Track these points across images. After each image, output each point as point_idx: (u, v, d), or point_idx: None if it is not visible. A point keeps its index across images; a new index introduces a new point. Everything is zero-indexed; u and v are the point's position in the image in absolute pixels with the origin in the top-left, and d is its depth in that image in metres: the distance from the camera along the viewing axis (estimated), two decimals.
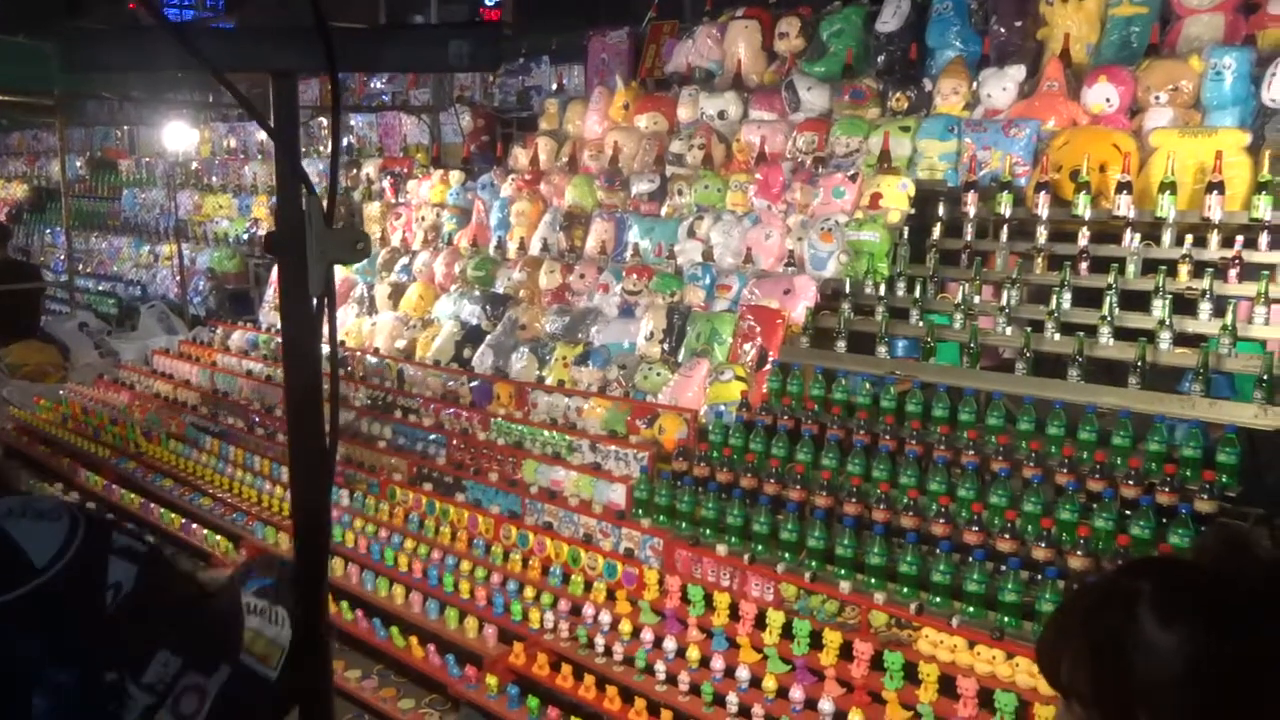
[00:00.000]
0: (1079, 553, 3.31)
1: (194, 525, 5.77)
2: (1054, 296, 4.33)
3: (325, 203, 1.35)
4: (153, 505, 6.16)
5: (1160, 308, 4.06)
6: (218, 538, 5.59)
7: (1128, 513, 3.42)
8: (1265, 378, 3.58)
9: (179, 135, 9.59)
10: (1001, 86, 5.29)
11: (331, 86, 1.22)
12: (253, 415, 6.38)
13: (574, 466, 4.79)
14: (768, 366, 4.89)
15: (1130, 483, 3.47)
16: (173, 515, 5.96)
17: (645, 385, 5.17)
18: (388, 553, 4.99)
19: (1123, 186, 4.53)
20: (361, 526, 5.26)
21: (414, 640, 4.43)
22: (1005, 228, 4.88)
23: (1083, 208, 4.62)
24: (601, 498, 4.61)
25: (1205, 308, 4.03)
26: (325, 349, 1.43)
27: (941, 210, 5.08)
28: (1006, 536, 3.45)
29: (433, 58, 1.27)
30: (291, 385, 1.40)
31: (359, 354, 6.55)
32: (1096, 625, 1.07)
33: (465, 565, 4.73)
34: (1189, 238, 4.35)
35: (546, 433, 5.05)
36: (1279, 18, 4.72)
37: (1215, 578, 1.05)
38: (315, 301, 1.37)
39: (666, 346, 5.33)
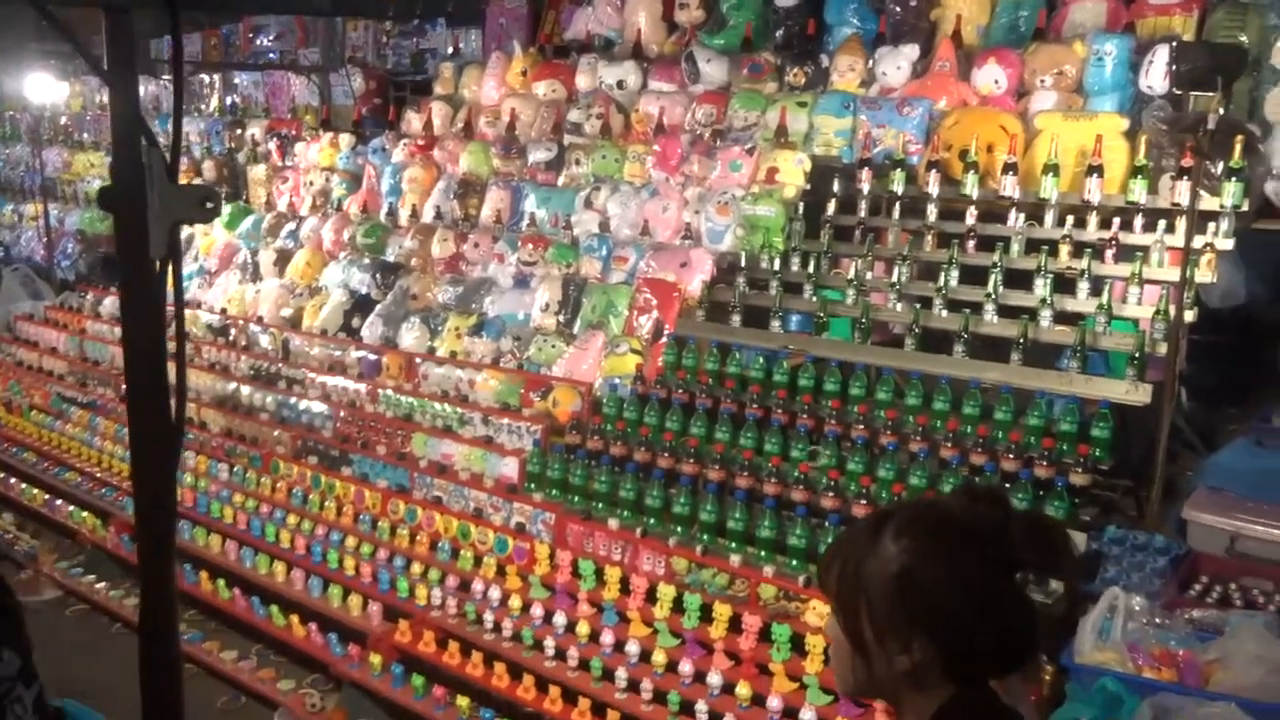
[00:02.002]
0: None
1: (59, 501, 5.46)
2: (942, 274, 4.39)
3: (169, 155, 1.22)
4: (13, 480, 5.80)
5: (1042, 286, 4.15)
6: (84, 514, 5.29)
7: (1008, 485, 3.50)
8: (1137, 355, 3.70)
9: (44, 88, 8.98)
10: (896, 65, 5.33)
11: (171, 24, 1.09)
12: (124, 385, 6.05)
13: (465, 440, 4.68)
14: (663, 340, 4.85)
15: (1010, 456, 3.55)
16: (35, 491, 5.63)
17: (540, 357, 5.08)
18: (269, 528, 4.80)
19: (1009, 167, 4.61)
20: (242, 502, 5.06)
21: (295, 619, 4.27)
22: (897, 205, 4.91)
23: (971, 187, 4.69)
24: (493, 472, 4.52)
25: (1083, 287, 4.14)
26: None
27: (836, 186, 5.09)
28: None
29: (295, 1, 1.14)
30: (131, 360, 1.27)
31: (242, 322, 6.27)
32: (853, 539, 1.33)
33: (350, 541, 4.58)
34: (1070, 219, 4.46)
35: (437, 405, 4.92)
36: (1157, 7, 4.86)
37: (947, 515, 1.30)
38: (158, 264, 1.25)
39: (562, 318, 5.24)
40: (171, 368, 1.35)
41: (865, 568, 1.29)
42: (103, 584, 4.91)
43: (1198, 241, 3.85)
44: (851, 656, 1.32)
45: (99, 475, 5.59)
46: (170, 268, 1.27)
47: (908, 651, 1.27)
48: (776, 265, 4.83)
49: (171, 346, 1.35)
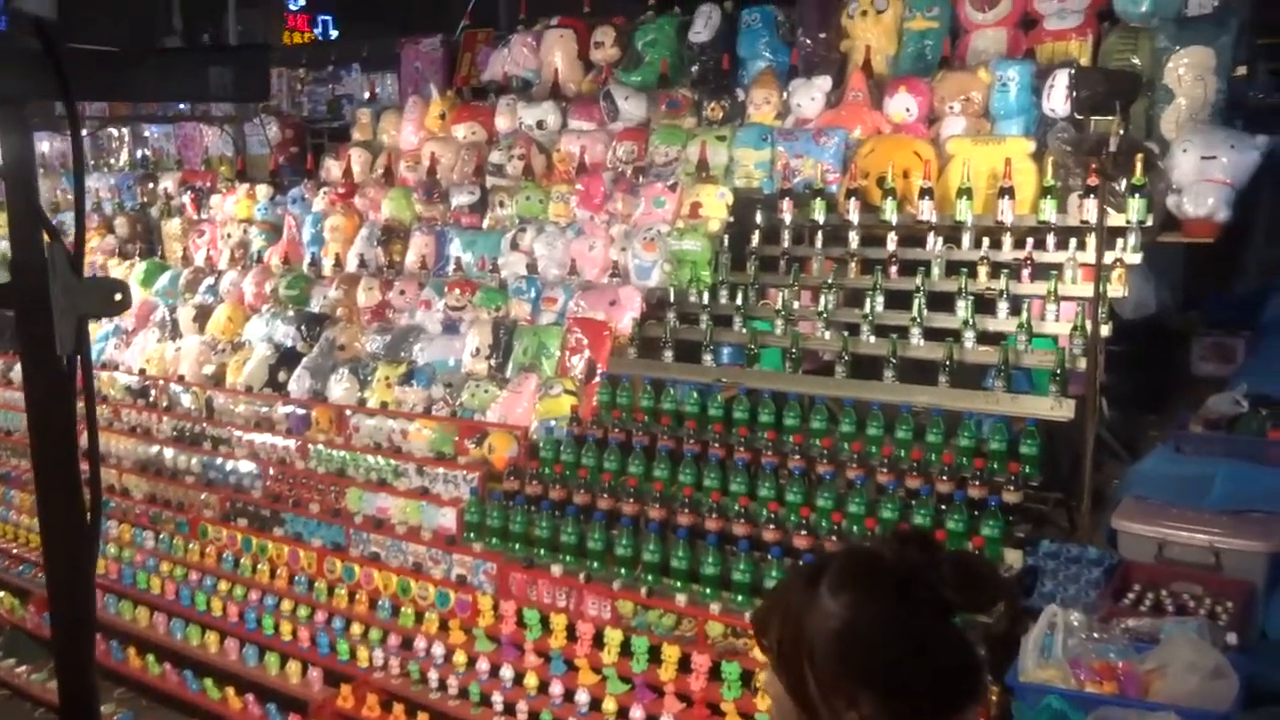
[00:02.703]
0: None
1: None
2: (868, 300, 4.47)
3: (73, 246, 1.18)
4: None
5: (963, 308, 4.25)
6: (0, 593, 5.07)
7: (943, 507, 3.55)
8: (1058, 372, 3.80)
9: None
10: (810, 96, 5.43)
11: (69, 119, 1.06)
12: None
13: (400, 492, 4.61)
14: (597, 379, 4.83)
15: (944, 478, 3.61)
16: None
17: (473, 403, 5.02)
18: (199, 597, 4.65)
19: (925, 192, 4.72)
20: (169, 570, 4.90)
21: (231, 691, 4.14)
22: (820, 233, 5.00)
23: (890, 213, 4.79)
24: (431, 523, 4.45)
25: (1003, 307, 4.25)
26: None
27: (759, 217, 5.17)
28: (833, 538, 3.52)
29: (190, 87, 1.12)
30: (40, 459, 1.22)
31: (162, 382, 6.09)
32: (789, 592, 1.30)
33: (286, 605, 4.47)
34: (986, 240, 4.58)
35: (370, 458, 4.83)
36: (1054, 33, 5.05)
37: (879, 563, 1.27)
38: (65, 360, 1.20)
39: (494, 362, 5.20)
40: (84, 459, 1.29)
41: (806, 626, 1.26)
42: (23, 667, 4.70)
43: (1108, 257, 3.98)
44: (797, 715, 1.31)
45: (15, 552, 5.36)
46: (80, 362, 1.23)
47: (855, 706, 1.26)
48: (705, 299, 4.87)
49: (84, 440, 1.30)
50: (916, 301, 4.34)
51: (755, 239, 5.14)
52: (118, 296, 1.23)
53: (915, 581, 1.26)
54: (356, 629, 4.23)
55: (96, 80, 1.13)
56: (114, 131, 9.07)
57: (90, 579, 1.26)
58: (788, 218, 5.06)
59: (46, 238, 1.18)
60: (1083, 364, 3.82)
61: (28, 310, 1.16)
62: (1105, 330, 3.86)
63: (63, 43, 1.09)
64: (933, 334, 4.29)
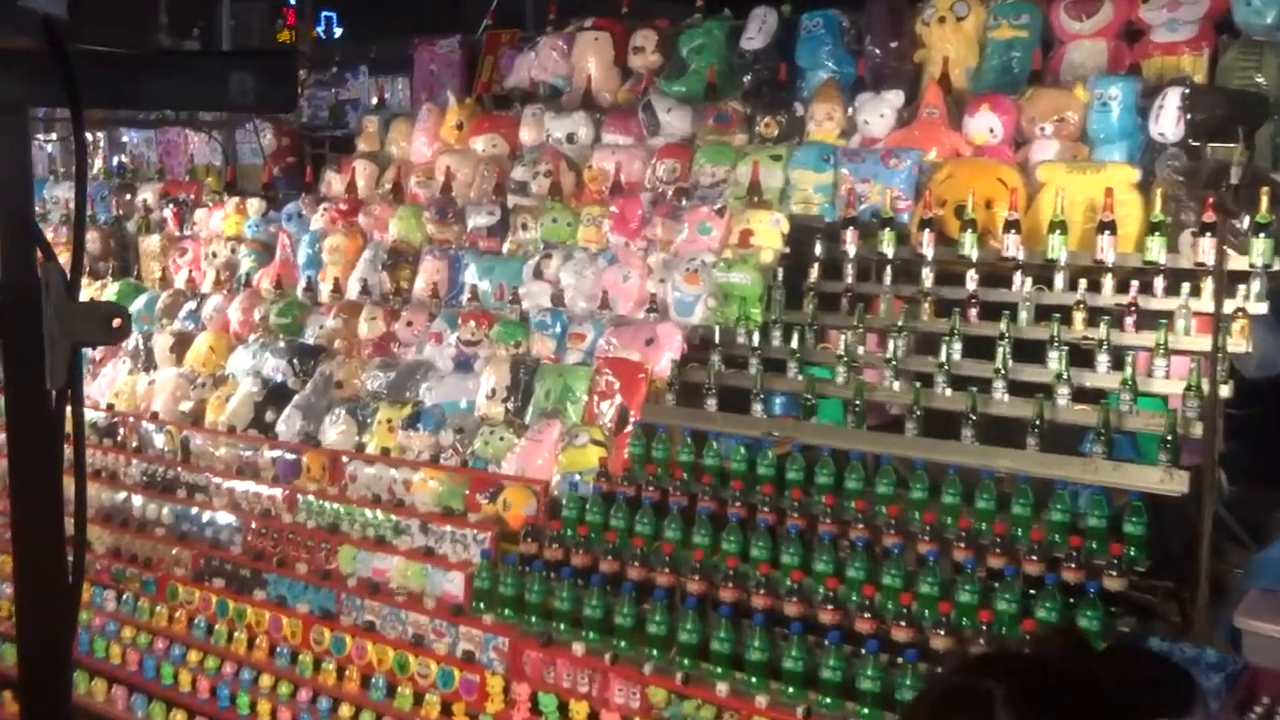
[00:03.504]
0: (981, 641, 3.35)
1: None
2: (943, 346, 4.44)
3: (69, 270, 1.19)
4: None
5: (1056, 359, 4.22)
6: None
7: (1032, 592, 3.49)
8: (1169, 438, 3.74)
9: None
10: (879, 113, 5.45)
11: (75, 128, 1.07)
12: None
13: (401, 552, 4.61)
14: (629, 428, 4.84)
15: (1033, 558, 3.56)
16: None
17: (486, 452, 5.03)
18: (165, 669, 4.66)
19: (1010, 225, 4.71)
20: (132, 637, 4.91)
21: None
22: (888, 269, 4.99)
23: (969, 247, 4.77)
24: (435, 590, 4.44)
25: (1103, 359, 4.21)
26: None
27: (819, 249, 5.17)
28: (902, 624, 3.47)
29: (208, 94, 1.13)
30: (20, 509, 1.22)
31: (132, 420, 6.14)
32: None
33: (266, 680, 4.46)
34: (1082, 282, 4.55)
35: (368, 512, 4.84)
36: (1163, 46, 5.04)
37: (1063, 679, 1.18)
38: (54, 396, 1.20)
39: (511, 406, 5.20)
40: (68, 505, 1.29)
41: None
42: None
43: (1228, 306, 3.94)
44: None
45: None
46: (69, 398, 1.23)
47: None
48: (755, 340, 4.86)
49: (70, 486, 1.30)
50: (1000, 350, 4.31)
51: (814, 273, 5.14)
52: (115, 322, 1.23)
53: (1117, 707, 1.18)
54: (346, 711, 4.21)
55: (106, 86, 1.14)
56: (89, 136, 9.25)
57: (69, 652, 1.26)
58: (851, 250, 5.06)
59: (40, 257, 1.19)
60: (1198, 430, 3.76)
61: (17, 338, 1.17)
62: (1225, 390, 3.81)
63: (70, 44, 1.11)
64: (1019, 389, 4.26)
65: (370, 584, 4.56)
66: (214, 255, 7.13)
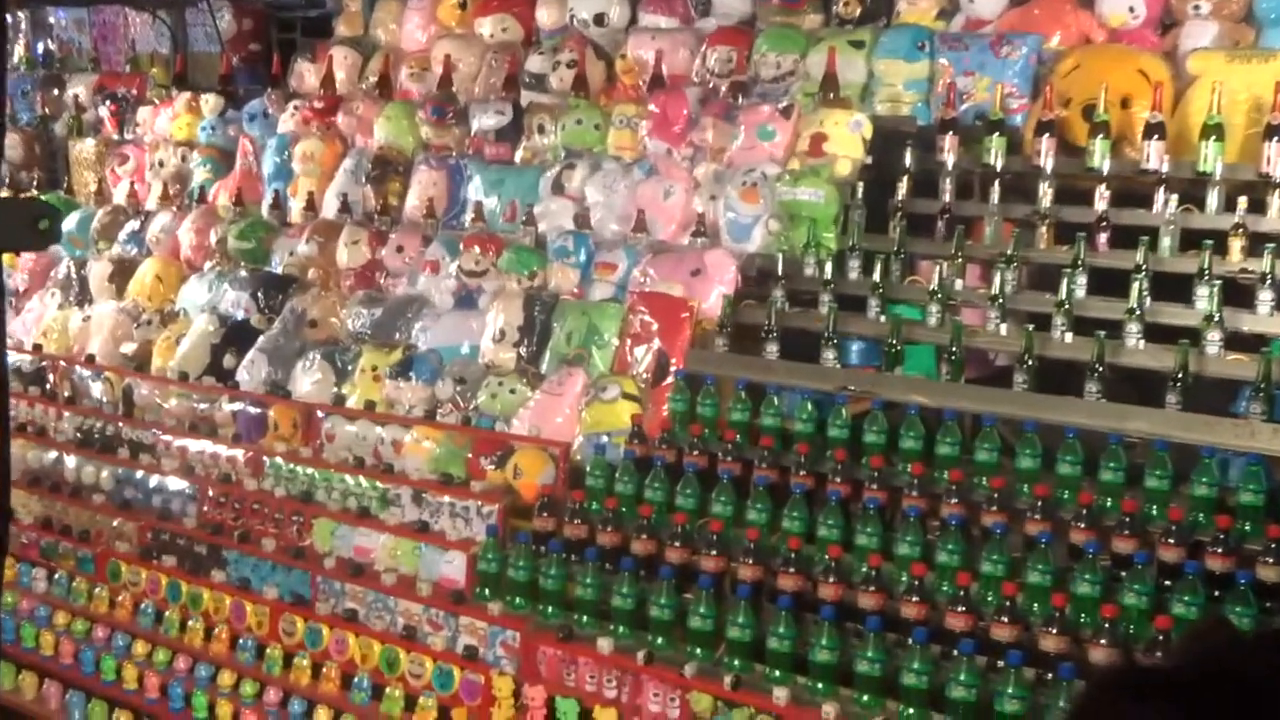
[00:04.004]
0: (1103, 642, 3.37)
1: None
2: (1064, 281, 4.43)
3: None
4: None
5: (1206, 297, 4.20)
6: None
7: (1167, 583, 3.50)
8: None
9: None
10: None
11: None
12: None
13: (389, 528, 4.68)
14: (669, 380, 4.86)
15: (1170, 541, 3.56)
16: None
17: (493, 408, 5.08)
18: (106, 662, 4.77)
19: (1152, 129, 4.67)
20: (67, 624, 5.02)
21: None
22: (996, 184, 4.98)
23: (1100, 158, 4.75)
24: (430, 573, 4.51)
25: (1266, 298, 4.19)
26: None
27: (909, 159, 5.15)
28: (1004, 620, 3.49)
29: None
30: None
31: (64, 364, 6.25)
32: None
33: (226, 678, 4.55)
34: (1242, 201, 4.51)
35: (348, 479, 4.91)
36: None
37: (1255, 697, 1.12)
38: None
39: (524, 352, 5.25)
40: None
41: None
42: None
43: None
44: None
45: None
46: None
47: None
48: (828, 272, 4.86)
49: None
50: (1136, 286, 4.29)
51: (902, 189, 5.13)
52: (42, 224, 1.27)
53: None
54: (323, 715, 4.29)
55: None
56: (8, 18, 9.31)
57: None
58: (950, 160, 5.04)
59: None
60: None
61: None
62: None
63: None
64: (1158, 333, 4.24)
65: (352, 565, 4.63)
66: (160, 165, 7.20)
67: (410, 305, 5.71)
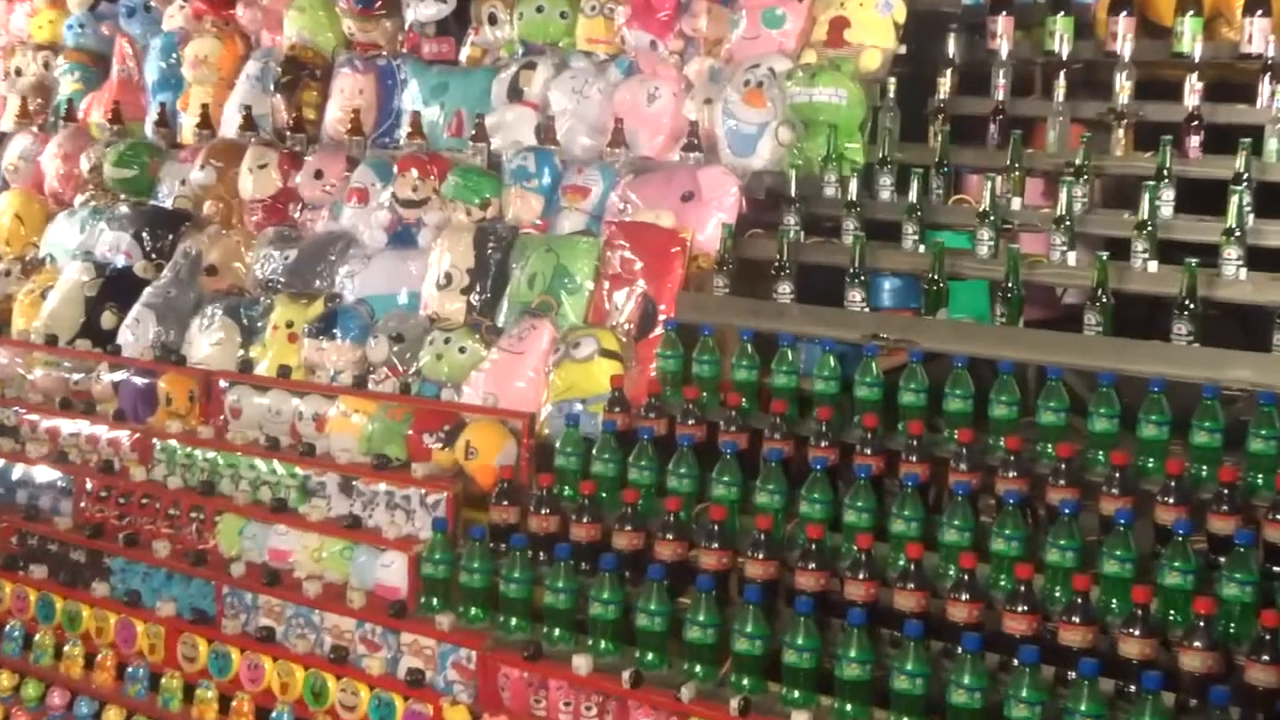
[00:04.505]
0: (1197, 645, 3.37)
1: None
2: (1146, 196, 4.41)
3: None
4: None
5: None
6: None
7: (1276, 570, 3.51)
8: None
9: None
10: None
11: None
12: None
13: (312, 524, 4.69)
14: (657, 332, 4.87)
15: (1279, 519, 3.57)
16: None
17: (439, 371, 5.08)
18: None
19: (1255, 3, 4.65)
20: None
21: None
22: (1061, 78, 4.96)
23: (1190, 40, 4.73)
24: (365, 579, 4.52)
25: None
26: None
27: (952, 48, 5.16)
28: (1074, 621, 3.49)
29: None
30: None
31: None
32: None
33: (113, 715, 4.56)
34: None
35: (260, 464, 4.93)
36: None
37: None
38: None
39: (476, 300, 5.25)
40: None
41: None
42: None
43: None
44: None
45: None
46: None
47: None
48: (853, 192, 4.85)
49: None
50: (1235, 200, 4.27)
51: (944, 87, 5.13)
52: None
53: None
54: None
55: None
56: None
57: None
58: (1004, 49, 5.03)
59: None
60: None
61: None
62: None
63: None
64: (1264, 259, 4.24)
65: (266, 571, 4.64)
66: (16, 74, 7.15)
67: (333, 245, 5.70)
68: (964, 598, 3.65)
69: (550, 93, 5.59)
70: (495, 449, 4.65)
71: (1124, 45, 4.82)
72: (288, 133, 6.18)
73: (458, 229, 5.35)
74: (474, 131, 5.64)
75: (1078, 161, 4.63)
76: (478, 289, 5.24)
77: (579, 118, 5.51)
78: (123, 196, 6.37)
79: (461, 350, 5.07)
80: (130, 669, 4.70)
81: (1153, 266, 4.33)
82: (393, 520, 4.60)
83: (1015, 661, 3.46)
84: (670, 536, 4.10)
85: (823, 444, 4.20)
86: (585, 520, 4.25)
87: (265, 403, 5.17)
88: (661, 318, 4.89)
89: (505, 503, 4.42)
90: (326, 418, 5.03)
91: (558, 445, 4.56)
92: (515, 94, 5.68)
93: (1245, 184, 4.33)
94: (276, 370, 5.26)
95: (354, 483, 4.72)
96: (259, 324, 5.52)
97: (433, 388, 5.05)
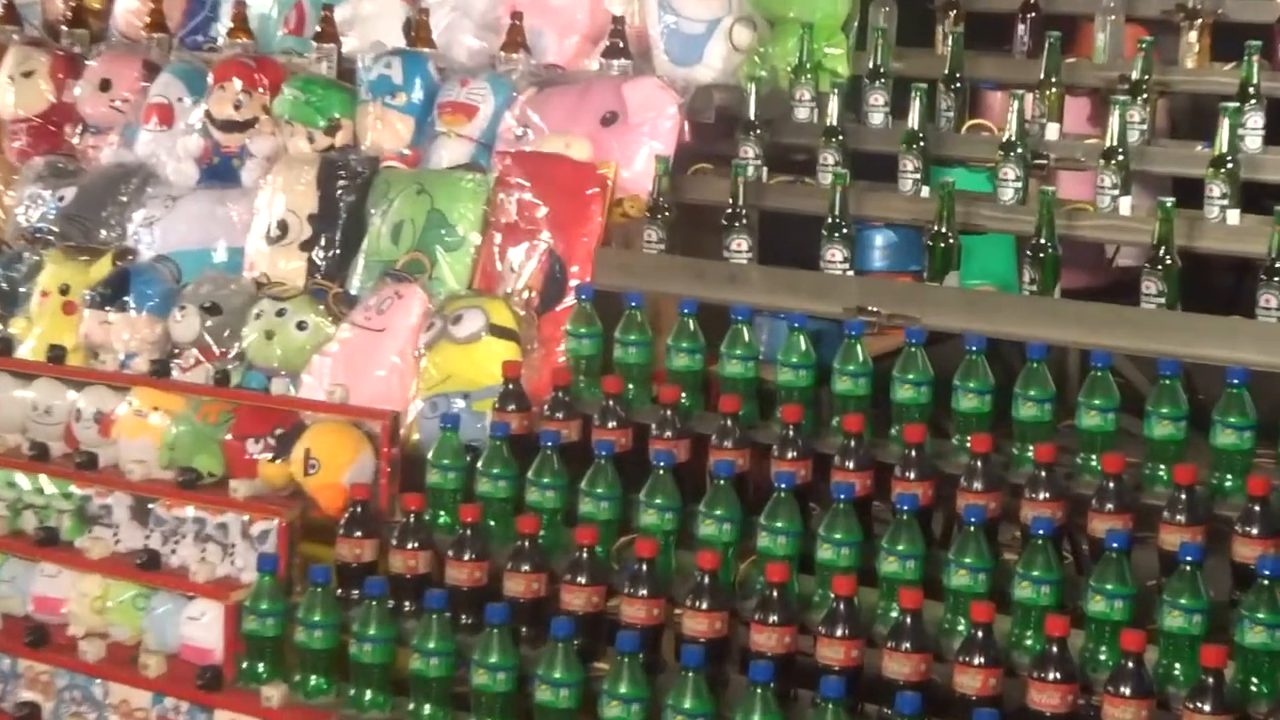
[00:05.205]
0: None
1: None
2: (1225, 124, 4.45)
3: None
4: None
5: None
6: None
7: None
8: None
9: None
10: None
11: None
12: None
13: (93, 564, 4.68)
14: (568, 303, 4.90)
15: None
16: None
17: (269, 355, 5.09)
18: None
19: None
20: None
21: None
22: None
23: None
24: (165, 639, 4.52)
25: None
26: None
27: None
28: (1123, 693, 3.53)
29: None
30: None
31: None
32: None
33: None
34: None
35: (21, 479, 4.93)
36: None
37: None
38: None
39: (320, 258, 5.26)
40: None
41: None
42: None
43: None
44: None
45: None
46: None
47: None
48: (833, 114, 4.88)
49: None
50: None
51: None
52: None
53: None
54: None
55: None
56: None
57: None
58: None
59: None
60: None
61: None
62: None
63: None
64: None
65: (30, 627, 4.63)
66: None
67: (124, 182, 5.69)
68: (977, 662, 3.66)
69: None
70: (344, 461, 4.65)
71: None
72: (63, 28, 6.15)
73: (296, 161, 5.36)
74: (319, 28, 5.64)
75: (1135, 75, 4.67)
76: (322, 243, 5.25)
77: (462, 10, 5.53)
78: None
79: (300, 326, 5.07)
80: None
81: (1233, 217, 4.38)
82: (204, 558, 4.60)
83: None
84: (582, 580, 4.10)
85: (790, 455, 4.22)
86: (467, 558, 4.26)
87: (29, 397, 5.15)
88: (573, 283, 4.91)
89: (357, 534, 4.41)
90: (114, 418, 5.01)
91: (430, 456, 4.56)
92: None
93: None
94: (46, 353, 5.24)
95: (151, 506, 4.71)
96: (21, 289, 5.49)
97: (260, 377, 5.05)
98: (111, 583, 4.62)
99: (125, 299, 5.27)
